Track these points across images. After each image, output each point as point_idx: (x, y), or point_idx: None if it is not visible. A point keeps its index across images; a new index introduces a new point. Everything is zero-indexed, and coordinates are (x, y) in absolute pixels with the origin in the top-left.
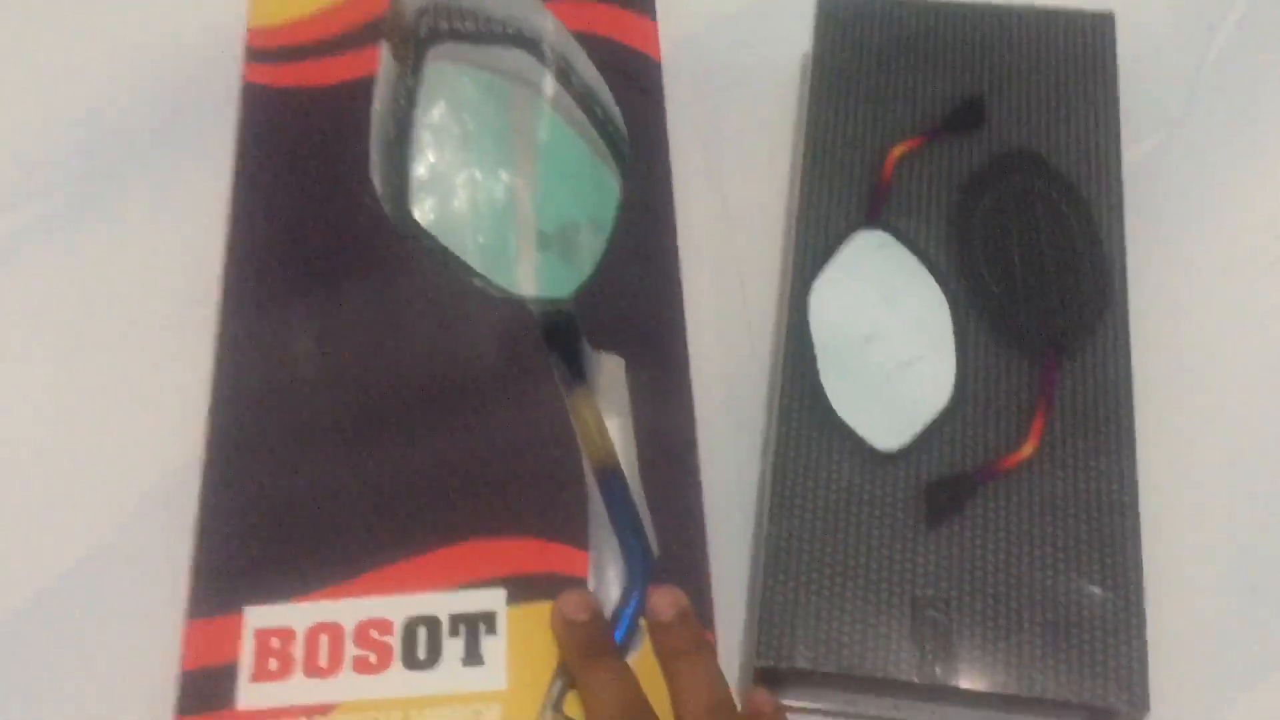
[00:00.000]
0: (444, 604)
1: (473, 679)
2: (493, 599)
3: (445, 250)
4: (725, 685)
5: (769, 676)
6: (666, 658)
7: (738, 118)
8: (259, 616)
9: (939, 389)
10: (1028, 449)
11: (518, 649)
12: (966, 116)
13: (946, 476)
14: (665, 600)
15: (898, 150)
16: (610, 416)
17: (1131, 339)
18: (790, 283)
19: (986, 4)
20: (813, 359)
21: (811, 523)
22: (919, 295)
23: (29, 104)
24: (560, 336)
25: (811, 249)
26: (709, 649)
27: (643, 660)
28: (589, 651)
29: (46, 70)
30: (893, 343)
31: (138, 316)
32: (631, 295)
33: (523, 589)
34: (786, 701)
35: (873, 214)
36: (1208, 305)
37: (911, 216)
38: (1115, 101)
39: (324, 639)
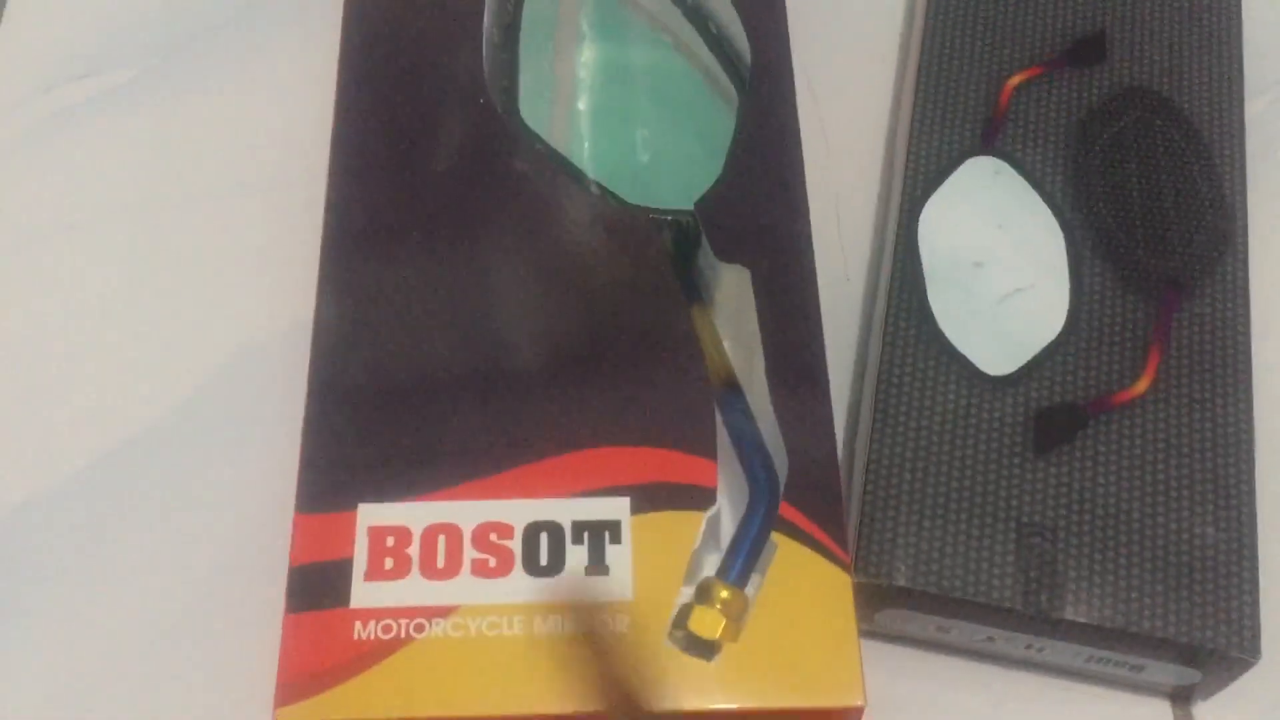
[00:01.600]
0: (566, 510)
1: (598, 588)
2: (617, 507)
3: (560, 156)
4: None
5: (867, 595)
6: None
7: (841, 37)
8: (373, 514)
9: (1051, 319)
10: (1142, 385)
11: (644, 559)
12: (1088, 50)
13: (1056, 405)
14: None
15: (1015, 79)
16: (736, 329)
17: (1251, 282)
18: (899, 205)
19: None
20: (922, 281)
21: (915, 443)
22: (1033, 224)
23: None
24: (681, 247)
25: (923, 173)
26: None
27: (767, 589)
28: None
29: None
30: (1005, 269)
31: (250, 193)
32: (756, 206)
33: (648, 498)
34: (878, 629)
35: (987, 141)
36: None
37: (1028, 146)
38: (1239, 45)
39: (442, 539)
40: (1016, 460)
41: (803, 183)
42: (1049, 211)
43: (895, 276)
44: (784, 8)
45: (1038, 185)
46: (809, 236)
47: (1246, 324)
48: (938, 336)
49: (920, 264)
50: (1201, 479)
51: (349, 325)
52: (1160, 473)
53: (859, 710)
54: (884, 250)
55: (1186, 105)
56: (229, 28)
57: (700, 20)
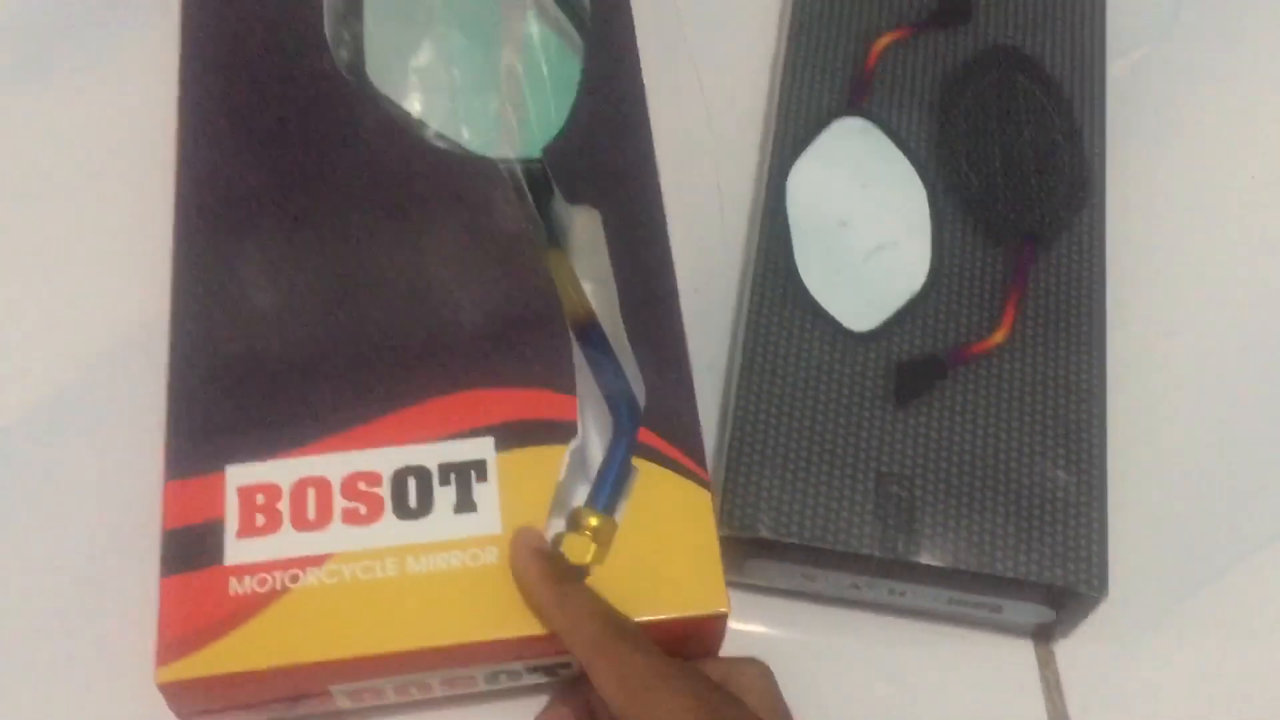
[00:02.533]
0: (432, 454)
1: (467, 525)
2: (481, 447)
3: (408, 115)
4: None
5: (734, 547)
6: (545, 586)
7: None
8: (241, 474)
9: (913, 274)
10: (999, 336)
11: (510, 494)
12: (954, 11)
13: (917, 357)
14: (527, 537)
15: (883, 40)
16: (590, 268)
17: (1107, 237)
18: (769, 165)
19: None
20: (788, 240)
21: (779, 398)
22: (897, 182)
23: None
24: (531, 193)
25: (792, 134)
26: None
27: (631, 511)
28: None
29: None
30: (869, 227)
31: (99, 174)
32: (602, 150)
33: (512, 436)
34: (746, 579)
35: (854, 101)
36: (1183, 212)
37: (894, 106)
38: (1103, 9)
39: (311, 492)
40: (878, 412)
41: (648, 124)
42: (913, 170)
43: (763, 236)
44: None
45: (902, 144)
46: (656, 176)
47: (1102, 276)
48: (803, 295)
49: (787, 224)
50: (1055, 425)
51: (207, 294)
52: (1015, 420)
53: (723, 617)
54: (757, 209)
55: (1049, 64)
56: (71, 23)
57: None
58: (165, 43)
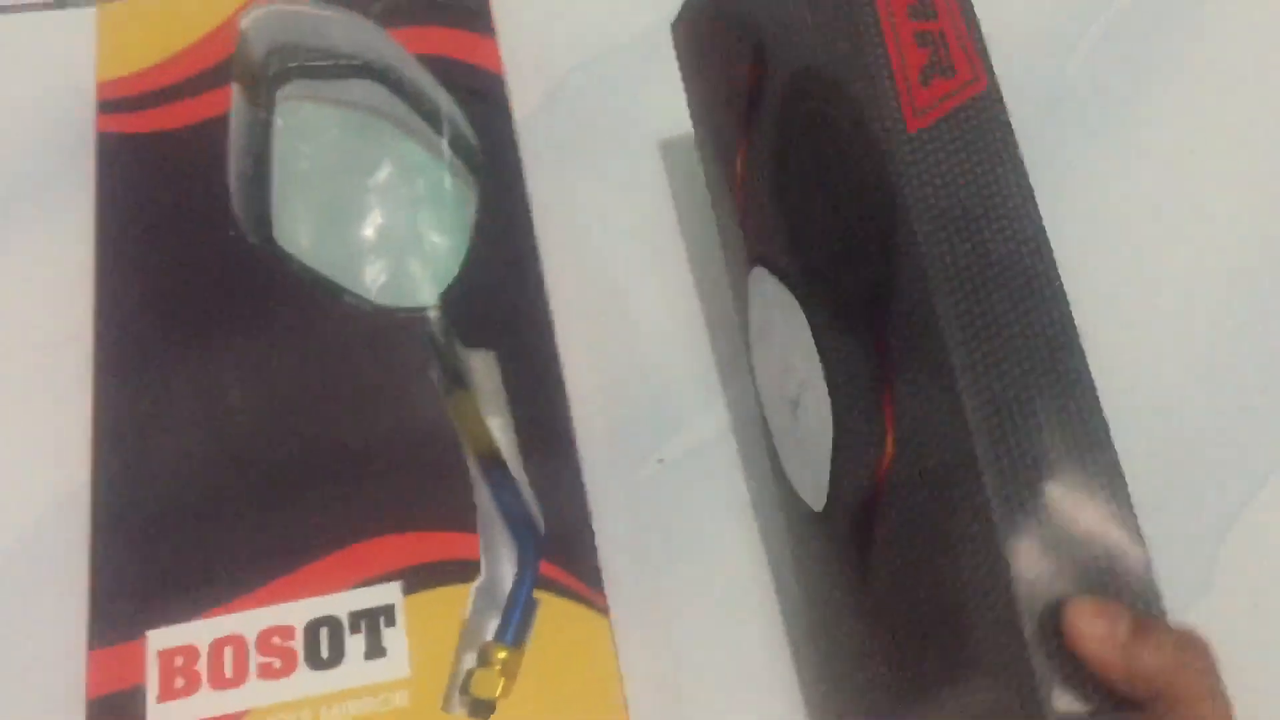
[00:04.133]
0: (343, 603)
1: (378, 670)
2: (389, 592)
3: (312, 271)
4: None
5: None
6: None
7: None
8: (161, 638)
9: (824, 418)
10: (889, 448)
11: (418, 636)
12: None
13: (855, 524)
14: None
15: (738, 167)
16: (489, 408)
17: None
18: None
19: None
20: (769, 433)
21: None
22: (790, 319)
23: None
24: (432, 340)
25: (735, 307)
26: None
27: (535, 646)
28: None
29: None
30: (792, 384)
31: (15, 354)
32: (497, 295)
33: (418, 579)
34: None
35: (751, 252)
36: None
37: (761, 236)
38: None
39: (228, 651)
40: (851, 591)
41: (538, 266)
42: (790, 295)
43: (766, 441)
44: (506, 98)
45: (781, 274)
46: (549, 315)
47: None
48: (785, 480)
49: (764, 416)
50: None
51: (125, 459)
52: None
53: None
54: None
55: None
56: None
57: (436, 122)
58: (81, 219)
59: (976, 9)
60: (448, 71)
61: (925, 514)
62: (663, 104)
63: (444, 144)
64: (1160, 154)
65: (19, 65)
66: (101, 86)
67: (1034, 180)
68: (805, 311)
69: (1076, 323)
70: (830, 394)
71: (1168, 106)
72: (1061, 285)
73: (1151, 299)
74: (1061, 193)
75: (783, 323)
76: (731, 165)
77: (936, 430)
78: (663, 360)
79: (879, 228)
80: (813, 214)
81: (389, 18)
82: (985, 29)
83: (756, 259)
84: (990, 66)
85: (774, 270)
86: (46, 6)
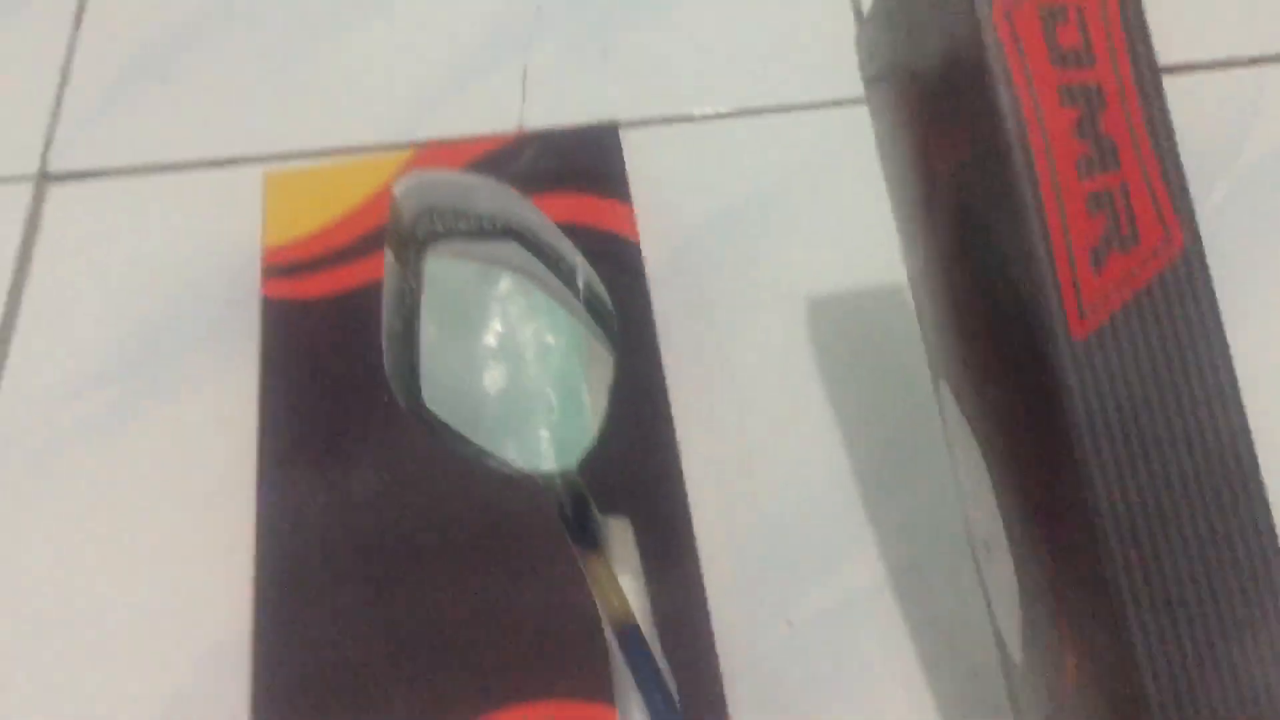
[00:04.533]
0: None
1: None
2: None
3: (457, 435)
4: None
5: None
6: None
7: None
8: None
9: (1010, 585)
10: (1069, 666)
11: None
12: None
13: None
14: None
15: (921, 256)
16: (624, 576)
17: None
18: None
19: None
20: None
21: None
22: (974, 464)
23: (82, 323)
24: (569, 505)
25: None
26: None
27: None
28: None
29: (91, 297)
30: (980, 527)
31: (181, 505)
32: (631, 460)
33: None
34: None
35: (933, 360)
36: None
37: (943, 350)
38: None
39: None
40: None
41: (672, 430)
42: None
43: None
44: (641, 264)
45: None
46: (682, 482)
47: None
48: None
49: None
50: None
51: (282, 618)
52: None
53: None
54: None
55: None
56: (158, 367)
57: (574, 286)
58: (246, 374)
59: None
60: (586, 237)
61: None
62: (793, 259)
63: (582, 308)
64: None
65: (189, 221)
66: (268, 251)
67: None
68: (986, 464)
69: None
70: (1015, 571)
71: None
72: (1266, 506)
73: None
74: None
75: (966, 459)
76: (915, 244)
77: (1113, 685)
78: (796, 521)
79: (1045, 430)
80: (985, 372)
81: (528, 183)
82: None
83: (942, 374)
84: (1189, 212)
85: (956, 398)
86: (214, 165)
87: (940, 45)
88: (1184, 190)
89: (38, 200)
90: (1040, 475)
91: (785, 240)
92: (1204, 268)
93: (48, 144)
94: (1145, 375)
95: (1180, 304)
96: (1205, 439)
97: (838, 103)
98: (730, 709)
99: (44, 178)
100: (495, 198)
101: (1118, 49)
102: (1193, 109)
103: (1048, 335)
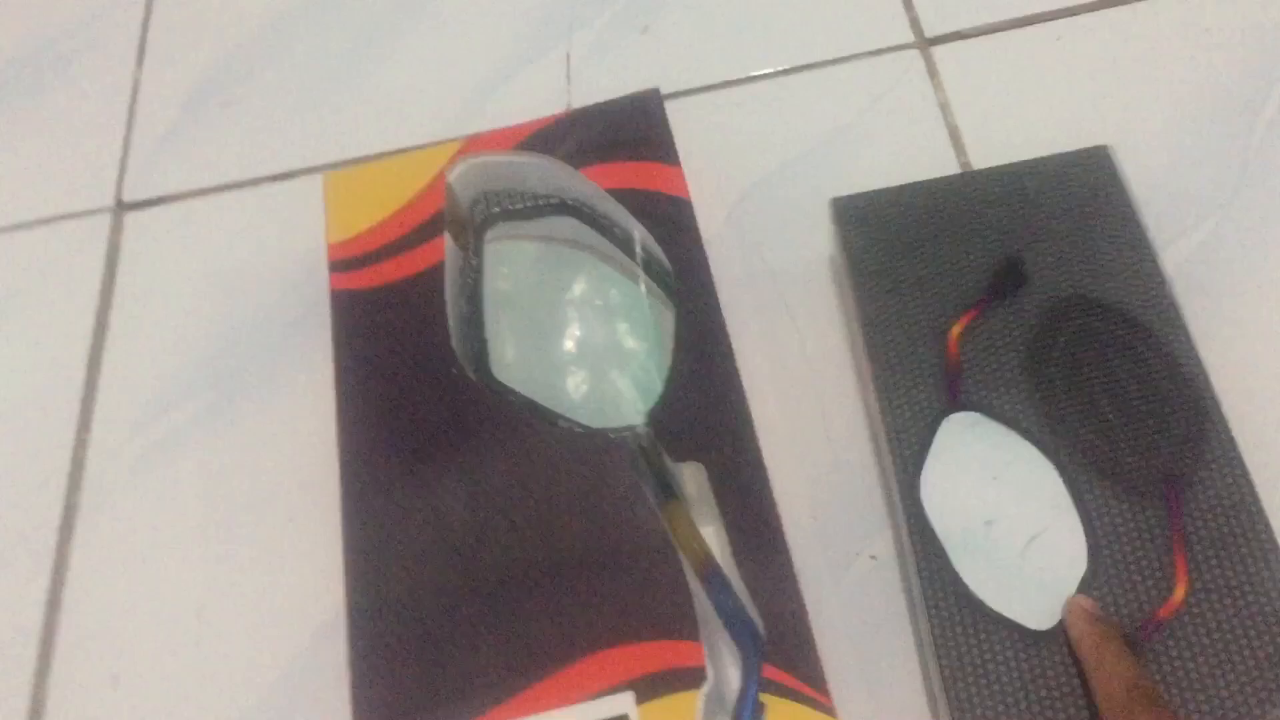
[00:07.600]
0: (580, 715)
1: None
2: (623, 702)
3: (529, 401)
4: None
5: None
6: (1086, 649)
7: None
8: None
9: (1074, 555)
10: (1179, 592)
11: None
12: (1008, 279)
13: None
14: (1079, 604)
15: (955, 329)
16: (702, 519)
17: (1240, 445)
18: (897, 484)
19: (987, 169)
20: (943, 553)
21: (994, 715)
22: (1025, 467)
23: (167, 338)
24: (643, 457)
25: (907, 446)
26: (1117, 638)
27: None
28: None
29: (173, 313)
30: (1014, 520)
31: (276, 497)
32: (700, 407)
33: (649, 688)
34: None
35: (953, 395)
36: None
37: (990, 389)
38: (1136, 222)
39: None
40: (1084, 707)
41: (737, 377)
42: (1032, 447)
43: (919, 558)
44: (694, 221)
45: (1013, 424)
46: (751, 423)
47: (1253, 491)
48: (976, 605)
49: (936, 538)
50: (1269, 663)
51: (374, 593)
52: (1222, 672)
53: None
54: (899, 524)
55: (1114, 295)
56: (247, 363)
57: (630, 249)
58: (322, 367)
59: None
60: (639, 201)
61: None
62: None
63: (640, 269)
64: None
65: (258, 233)
66: (331, 248)
67: None
68: (1054, 465)
69: None
70: (1086, 536)
71: None
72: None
73: None
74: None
75: (1012, 466)
76: (945, 318)
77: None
78: (862, 461)
79: (1186, 421)
80: (1090, 401)
81: (580, 157)
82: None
83: (967, 405)
84: None
85: (1014, 429)
86: (278, 178)
87: None
88: None
89: (115, 229)
90: (1165, 456)
91: (835, 187)
92: None
93: (121, 175)
94: None
95: None
96: None
97: (877, 52)
98: (817, 641)
99: (120, 207)
100: (546, 174)
101: None
102: None
103: None
